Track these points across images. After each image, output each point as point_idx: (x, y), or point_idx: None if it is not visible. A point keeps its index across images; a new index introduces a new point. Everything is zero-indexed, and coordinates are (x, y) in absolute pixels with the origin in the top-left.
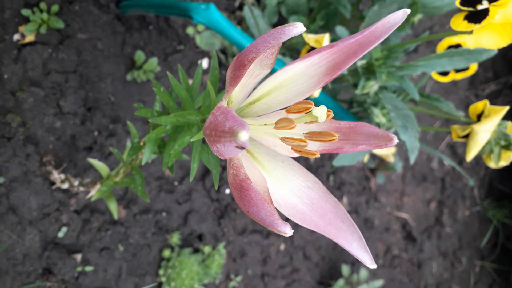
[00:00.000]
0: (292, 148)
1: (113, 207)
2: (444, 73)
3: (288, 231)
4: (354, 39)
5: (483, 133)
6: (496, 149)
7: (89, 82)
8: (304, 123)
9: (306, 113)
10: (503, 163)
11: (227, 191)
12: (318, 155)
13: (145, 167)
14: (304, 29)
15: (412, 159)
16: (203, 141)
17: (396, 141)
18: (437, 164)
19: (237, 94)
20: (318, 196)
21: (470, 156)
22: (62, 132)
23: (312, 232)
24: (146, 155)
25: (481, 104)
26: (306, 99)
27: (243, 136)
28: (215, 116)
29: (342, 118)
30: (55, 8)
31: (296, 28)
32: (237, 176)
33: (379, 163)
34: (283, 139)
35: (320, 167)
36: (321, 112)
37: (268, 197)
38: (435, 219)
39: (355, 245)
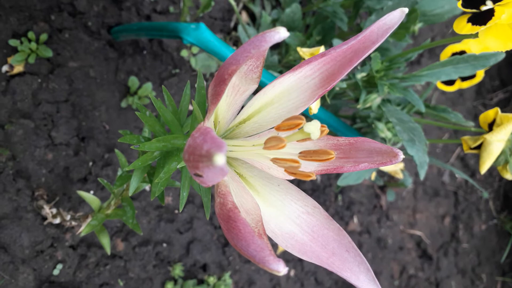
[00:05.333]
0: (285, 170)
1: (106, 242)
2: (450, 82)
3: (281, 269)
4: (348, 45)
5: (497, 143)
6: None
7: (82, 111)
8: (297, 141)
9: (298, 129)
10: None
11: None
12: (314, 177)
13: (143, 196)
14: (288, 34)
15: (422, 174)
16: None
17: (401, 156)
18: (448, 178)
19: (224, 113)
20: (319, 222)
21: (484, 168)
22: (55, 164)
23: None
24: (133, 185)
25: (492, 112)
26: (303, 114)
27: (219, 159)
28: (193, 138)
29: (345, 135)
30: (43, 37)
31: (278, 33)
32: (224, 205)
33: (388, 179)
34: (274, 160)
35: (327, 186)
36: (314, 127)
37: (261, 227)
38: (450, 235)
39: (363, 278)
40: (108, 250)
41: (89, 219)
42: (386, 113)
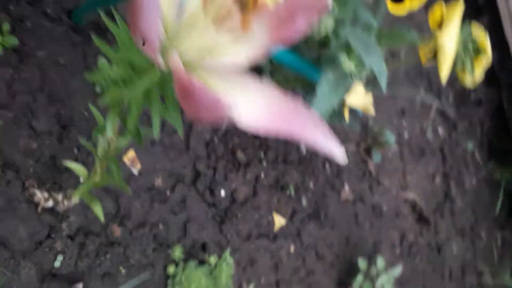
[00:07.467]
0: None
1: (98, 210)
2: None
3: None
4: None
5: (449, 42)
6: (468, 59)
7: (59, 99)
8: None
9: None
10: (478, 72)
11: (223, 193)
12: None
13: (134, 180)
14: None
15: (383, 84)
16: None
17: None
18: (432, 134)
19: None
20: (275, 102)
21: (444, 73)
22: (41, 154)
23: (320, 227)
24: (109, 127)
25: (438, 10)
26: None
27: None
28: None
29: (310, 74)
30: (6, 27)
31: None
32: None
33: (372, 141)
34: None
35: (314, 156)
36: None
37: None
38: (444, 195)
39: (321, 137)
40: (102, 218)
41: None
42: (340, 32)
